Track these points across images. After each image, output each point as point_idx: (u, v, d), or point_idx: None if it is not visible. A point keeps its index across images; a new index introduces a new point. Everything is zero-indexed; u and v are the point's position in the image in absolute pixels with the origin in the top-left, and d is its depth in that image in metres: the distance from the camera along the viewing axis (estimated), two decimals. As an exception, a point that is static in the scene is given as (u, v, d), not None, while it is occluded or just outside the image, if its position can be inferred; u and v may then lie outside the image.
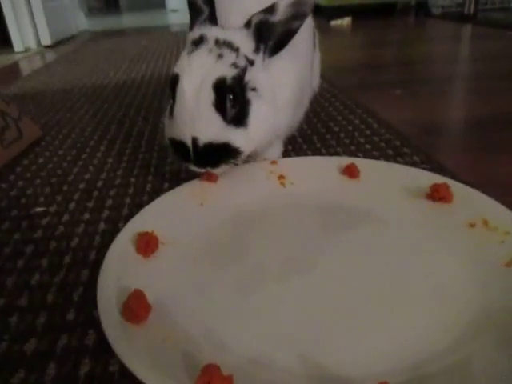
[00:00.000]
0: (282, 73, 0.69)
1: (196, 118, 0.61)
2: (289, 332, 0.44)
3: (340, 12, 2.91)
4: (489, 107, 1.13)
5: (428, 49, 2.12)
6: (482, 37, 2.25)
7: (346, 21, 2.90)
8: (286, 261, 0.55)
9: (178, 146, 0.63)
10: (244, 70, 0.63)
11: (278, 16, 0.63)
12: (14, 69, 2.17)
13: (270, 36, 0.64)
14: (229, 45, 0.63)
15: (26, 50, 2.67)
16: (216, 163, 0.63)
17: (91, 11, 5.01)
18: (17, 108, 1.00)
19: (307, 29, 0.79)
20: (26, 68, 2.15)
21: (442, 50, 2.05)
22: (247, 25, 0.64)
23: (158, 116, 1.16)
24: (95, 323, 0.47)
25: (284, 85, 0.69)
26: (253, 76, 0.64)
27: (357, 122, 1.03)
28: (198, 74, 0.61)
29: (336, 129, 0.99)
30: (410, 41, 2.36)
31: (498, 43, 2.06)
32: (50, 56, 2.43)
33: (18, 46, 2.66)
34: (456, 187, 0.62)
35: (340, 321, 0.45)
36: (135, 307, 0.42)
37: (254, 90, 0.64)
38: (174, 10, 4.51)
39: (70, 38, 3.13)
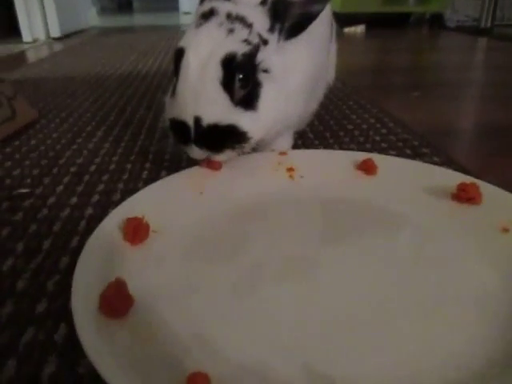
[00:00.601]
0: (297, 58, 0.63)
1: (200, 96, 0.54)
2: (292, 338, 0.37)
3: (353, 19, 2.86)
4: (508, 113, 1.07)
5: (442, 57, 2.06)
6: (498, 49, 2.20)
7: (359, 28, 2.86)
8: (288, 260, 0.48)
9: (179, 126, 0.57)
10: (257, 49, 0.56)
11: None
12: (20, 57, 2.12)
13: (287, 16, 0.58)
14: (242, 20, 0.57)
15: (35, 40, 2.63)
16: (220, 147, 0.57)
17: (104, 10, 4.99)
18: (12, 87, 0.94)
19: (325, 18, 0.74)
20: (32, 57, 2.11)
21: (457, 58, 1.99)
22: (263, 2, 0.58)
23: (161, 105, 1.10)
24: (69, 316, 0.40)
25: (298, 70, 0.63)
26: (266, 57, 0.57)
27: (372, 120, 0.96)
28: (205, 48, 0.55)
29: (350, 126, 0.93)
30: (425, 49, 2.31)
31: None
32: (58, 47, 2.39)
33: (26, 36, 2.61)
34: (485, 187, 0.55)
35: (351, 328, 0.38)
36: (113, 298, 0.36)
37: (266, 71, 0.58)
38: (187, 13, 4.49)
39: (80, 32, 3.10)
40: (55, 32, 2.71)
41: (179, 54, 0.57)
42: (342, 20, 2.95)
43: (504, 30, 2.81)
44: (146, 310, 0.38)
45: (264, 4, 0.58)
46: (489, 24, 2.75)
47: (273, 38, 0.59)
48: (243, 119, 0.56)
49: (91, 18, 3.55)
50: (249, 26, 0.57)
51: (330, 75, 0.86)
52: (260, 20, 0.58)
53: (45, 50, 2.33)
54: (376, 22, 3.01)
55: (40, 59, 1.96)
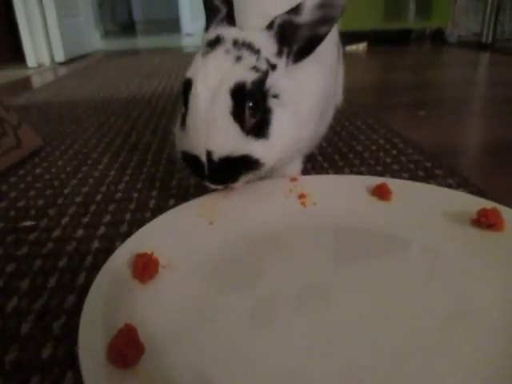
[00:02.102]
0: (307, 81, 0.62)
1: (211, 129, 0.53)
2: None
3: (355, 37, 2.88)
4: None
5: (446, 73, 2.06)
6: (501, 64, 2.19)
7: (361, 46, 2.87)
8: (302, 293, 0.46)
9: (192, 160, 0.56)
10: (265, 75, 0.55)
11: (304, 17, 0.56)
12: (25, 82, 2.14)
13: (295, 39, 0.57)
14: (249, 46, 0.56)
15: (39, 65, 2.65)
16: (234, 178, 0.56)
17: (107, 34, 5.06)
18: (16, 115, 0.94)
19: (332, 40, 0.73)
20: (36, 82, 2.12)
21: (461, 74, 1.99)
22: (269, 26, 0.57)
23: (166, 129, 1.09)
24: (76, 362, 0.38)
25: (308, 94, 0.62)
26: (275, 82, 0.56)
27: (381, 141, 0.95)
28: (213, 77, 0.54)
29: (359, 148, 0.91)
30: (428, 66, 2.30)
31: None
32: (62, 71, 2.41)
33: (31, 61, 2.64)
34: (507, 213, 0.53)
35: (366, 367, 0.36)
36: (123, 347, 0.33)
37: (275, 97, 0.57)
38: (189, 34, 4.54)
39: (84, 56, 3.13)
40: (59, 56, 2.73)
41: (187, 85, 0.56)
42: (344, 38, 2.97)
43: (505, 44, 2.81)
44: (158, 358, 0.36)
45: (270, 28, 0.57)
46: (490, 39, 2.76)
47: (281, 62, 0.58)
48: (255, 148, 0.55)
49: (95, 41, 3.59)
50: (256, 51, 0.56)
51: (337, 97, 0.85)
52: (267, 45, 0.57)
53: (49, 74, 2.34)
54: (378, 39, 3.02)
55: (45, 84, 1.97)
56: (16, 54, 2.66)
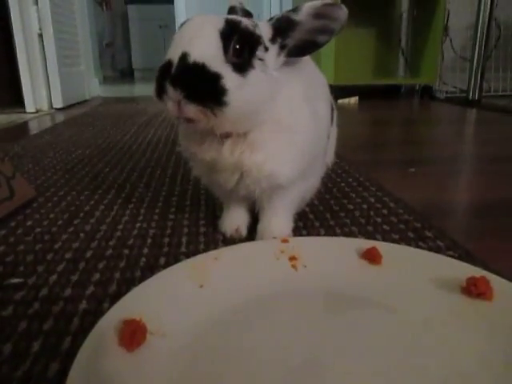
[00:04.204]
0: (302, 125, 0.66)
1: (195, 36, 0.55)
2: None
3: (346, 92, 2.98)
4: (508, 189, 1.08)
5: (435, 130, 2.13)
6: (487, 120, 2.27)
7: (352, 100, 2.97)
8: (291, 368, 0.44)
9: (163, 67, 0.56)
10: (259, 38, 0.59)
11: (300, 16, 0.60)
12: (22, 128, 2.17)
13: (289, 32, 0.61)
14: (250, 19, 0.63)
15: (38, 111, 2.70)
16: (195, 92, 0.55)
17: (106, 79, 5.20)
18: (11, 166, 0.94)
19: (327, 101, 0.76)
20: (34, 128, 2.15)
21: (449, 131, 2.06)
22: (270, 19, 0.63)
23: (160, 183, 1.10)
24: None
25: (301, 137, 0.66)
26: (265, 57, 0.60)
27: (371, 199, 0.96)
28: (211, 16, 0.59)
29: (350, 206, 0.92)
30: (416, 121, 2.38)
31: (504, 127, 2.07)
32: (60, 118, 2.45)
33: (29, 106, 2.69)
34: (497, 282, 0.53)
35: None
36: (106, 429, 0.32)
37: (261, 60, 0.60)
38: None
39: (82, 103, 3.19)
40: (58, 103, 2.79)
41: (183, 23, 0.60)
42: (336, 92, 3.07)
43: (491, 101, 2.92)
44: None
45: (271, 20, 0.63)
46: (476, 96, 2.87)
47: (273, 48, 0.61)
48: (230, 76, 0.56)
49: (93, 88, 3.67)
50: (255, 25, 0.60)
51: (329, 157, 0.88)
52: (264, 28, 0.62)
53: (47, 120, 2.38)
54: (369, 93, 3.13)
55: (41, 131, 1.99)
56: (15, 99, 2.71)
